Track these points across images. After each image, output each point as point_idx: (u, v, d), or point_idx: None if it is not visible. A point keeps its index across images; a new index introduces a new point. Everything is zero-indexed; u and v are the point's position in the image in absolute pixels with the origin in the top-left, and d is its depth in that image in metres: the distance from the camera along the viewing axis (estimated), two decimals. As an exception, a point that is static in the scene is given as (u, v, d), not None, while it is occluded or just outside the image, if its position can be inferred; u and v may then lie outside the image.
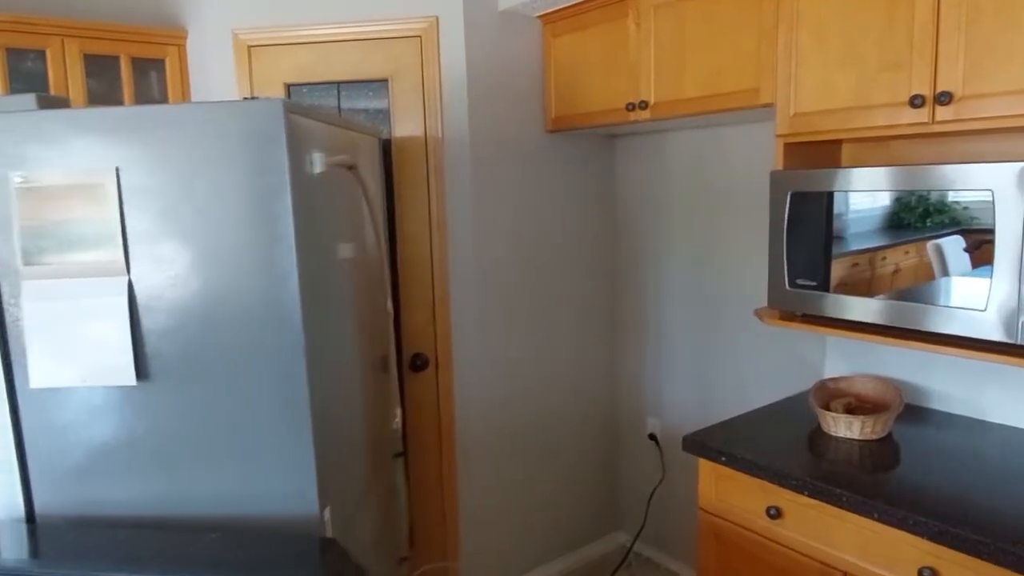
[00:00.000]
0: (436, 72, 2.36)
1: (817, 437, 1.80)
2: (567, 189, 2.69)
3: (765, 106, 1.90)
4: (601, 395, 2.92)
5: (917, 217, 1.54)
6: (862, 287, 1.63)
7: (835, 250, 1.68)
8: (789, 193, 1.74)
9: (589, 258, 2.80)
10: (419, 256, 2.48)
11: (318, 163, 1.55)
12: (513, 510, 2.67)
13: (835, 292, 1.68)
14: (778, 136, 1.85)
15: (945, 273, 1.49)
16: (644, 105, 2.18)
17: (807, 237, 1.72)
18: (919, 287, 1.54)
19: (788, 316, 1.84)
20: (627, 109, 2.23)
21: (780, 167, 1.86)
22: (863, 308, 1.64)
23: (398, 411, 2.32)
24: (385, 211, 2.25)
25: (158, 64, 2.61)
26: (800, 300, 1.75)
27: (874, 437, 1.76)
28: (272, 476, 1.48)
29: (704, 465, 1.80)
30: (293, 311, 1.43)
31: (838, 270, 1.67)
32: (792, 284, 1.75)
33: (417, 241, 2.47)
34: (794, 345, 2.31)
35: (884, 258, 1.60)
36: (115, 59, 2.49)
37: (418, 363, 2.51)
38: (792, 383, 2.33)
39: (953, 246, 1.48)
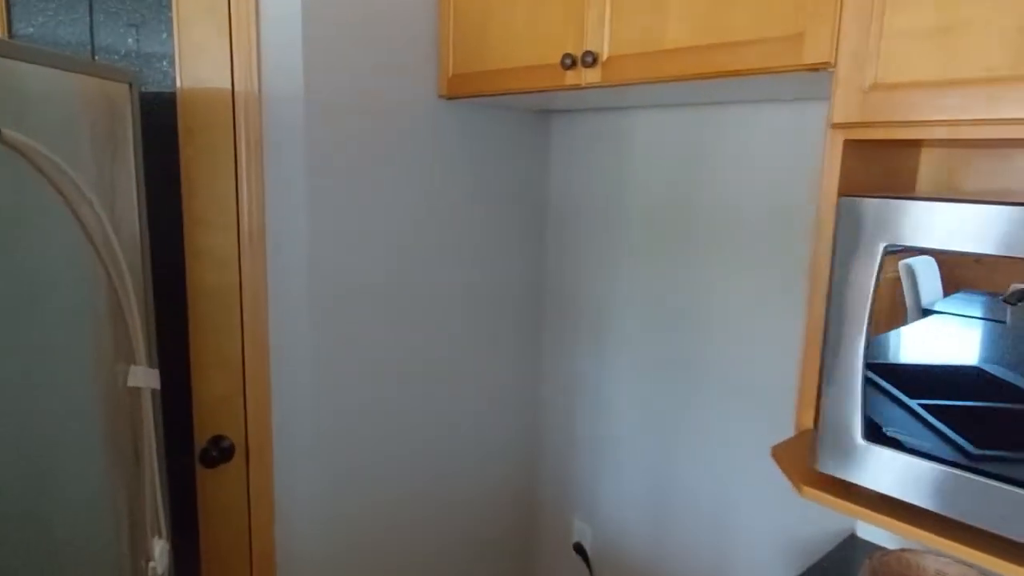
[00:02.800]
0: (251, -19, 1.41)
1: None
2: (476, 186, 1.77)
3: (813, 68, 1.02)
4: (511, 482, 2.03)
5: None
6: None
7: (987, 385, 0.81)
8: (881, 247, 0.85)
9: (508, 294, 1.90)
10: (221, 284, 1.53)
11: None
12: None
13: (985, 474, 0.78)
14: (835, 127, 0.99)
15: None
16: (591, 60, 1.28)
17: (918, 340, 0.84)
18: None
19: (849, 490, 0.96)
20: (563, 66, 1.32)
21: (835, 183, 1.00)
22: None
23: (158, 544, 1.39)
24: (145, 207, 1.30)
25: None
26: (888, 469, 0.86)
27: None
28: None
29: None
30: None
31: (987, 417, 0.79)
32: (872, 435, 0.86)
33: (218, 260, 1.53)
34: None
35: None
36: None
37: (214, 453, 1.57)
38: (813, 523, 1.50)
39: None
